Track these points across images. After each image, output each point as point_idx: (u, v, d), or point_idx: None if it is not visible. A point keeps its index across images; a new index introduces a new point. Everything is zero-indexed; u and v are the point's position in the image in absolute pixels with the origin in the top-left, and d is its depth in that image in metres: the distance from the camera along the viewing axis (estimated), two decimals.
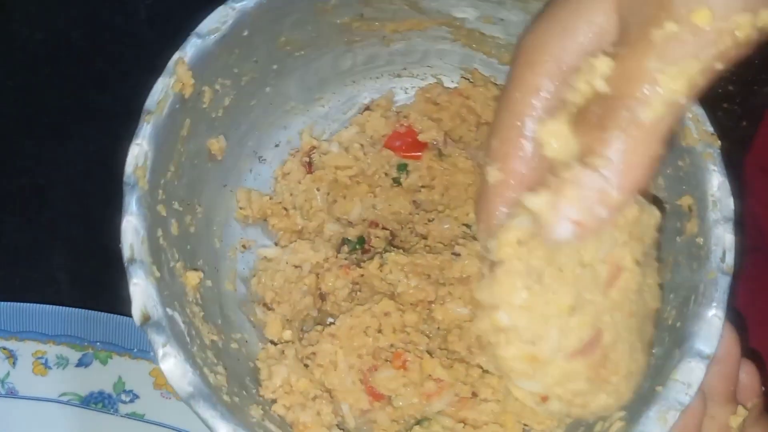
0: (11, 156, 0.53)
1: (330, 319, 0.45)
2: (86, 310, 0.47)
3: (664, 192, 0.41)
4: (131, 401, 0.46)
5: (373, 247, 0.46)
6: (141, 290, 0.34)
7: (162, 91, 0.38)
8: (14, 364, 0.46)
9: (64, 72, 0.54)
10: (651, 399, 0.35)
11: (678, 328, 0.37)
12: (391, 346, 0.40)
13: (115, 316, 0.47)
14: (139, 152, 0.37)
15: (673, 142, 0.40)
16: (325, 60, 0.46)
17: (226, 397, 0.35)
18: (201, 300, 0.39)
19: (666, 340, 0.37)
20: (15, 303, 0.47)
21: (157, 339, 0.34)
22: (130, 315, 0.45)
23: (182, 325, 0.36)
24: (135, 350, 0.47)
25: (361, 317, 0.41)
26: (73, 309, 0.47)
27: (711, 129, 0.38)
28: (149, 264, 0.35)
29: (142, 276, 0.35)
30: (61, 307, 0.47)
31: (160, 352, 0.34)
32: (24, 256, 0.50)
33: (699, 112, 0.39)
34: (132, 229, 0.35)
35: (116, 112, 0.51)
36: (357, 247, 0.46)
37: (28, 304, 0.47)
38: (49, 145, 0.53)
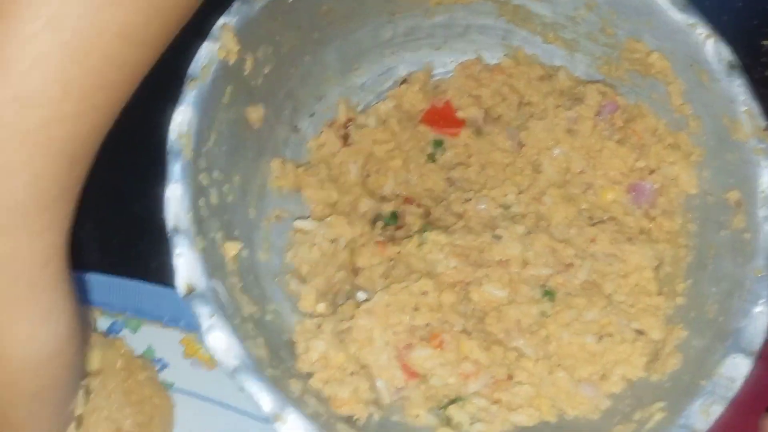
0: None
1: (361, 294, 0.44)
2: (118, 278, 0.46)
3: (709, 183, 0.41)
4: (160, 370, 0.45)
5: (407, 223, 0.45)
6: (186, 261, 0.34)
7: (206, 57, 0.37)
8: None
9: None
10: (695, 392, 0.35)
11: (721, 323, 0.37)
12: (427, 325, 0.40)
13: (147, 284, 0.46)
14: (182, 119, 0.36)
15: (721, 135, 0.40)
16: (365, 30, 0.45)
17: (269, 371, 0.34)
18: (238, 271, 0.38)
19: (707, 333, 0.37)
20: None
21: (203, 311, 0.33)
22: (161, 283, 0.46)
23: (225, 297, 0.35)
24: (166, 318, 0.46)
25: (399, 295, 0.40)
26: (105, 276, 0.46)
27: (765, 124, 0.38)
28: (193, 234, 0.34)
29: (186, 246, 0.34)
30: (93, 273, 0.46)
31: (206, 323, 0.33)
32: None
33: (753, 105, 0.38)
34: (176, 198, 0.34)
35: (149, 75, 0.51)
36: (390, 223, 0.45)
37: None
38: None
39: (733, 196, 0.39)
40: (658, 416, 0.35)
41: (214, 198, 0.38)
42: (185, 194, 0.35)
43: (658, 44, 0.41)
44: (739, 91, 0.38)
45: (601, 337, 0.39)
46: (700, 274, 0.40)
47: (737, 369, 0.34)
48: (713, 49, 0.39)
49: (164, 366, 0.45)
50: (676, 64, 0.41)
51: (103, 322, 0.45)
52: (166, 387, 0.45)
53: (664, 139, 0.43)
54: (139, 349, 0.45)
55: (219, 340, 0.33)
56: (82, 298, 0.45)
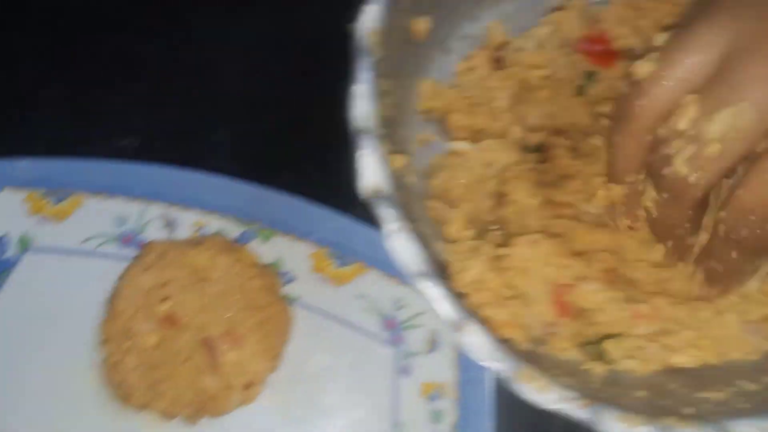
0: (181, 29, 0.50)
1: (496, 227, 0.43)
2: (254, 186, 0.45)
3: None
4: (287, 282, 0.45)
5: (554, 156, 0.44)
6: (372, 162, 0.33)
7: None
8: (172, 232, 0.45)
9: None
10: None
11: None
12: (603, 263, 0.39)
13: (284, 195, 0.45)
14: (371, 15, 0.34)
15: None
16: None
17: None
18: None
19: None
20: (181, 171, 0.45)
21: (390, 213, 0.32)
22: (296, 194, 0.45)
23: (403, 202, 0.34)
24: (299, 231, 0.45)
25: (565, 236, 0.39)
26: (241, 183, 0.45)
27: None
28: (378, 136, 0.33)
29: (371, 147, 0.33)
30: (229, 180, 0.45)
31: (393, 226, 0.32)
32: (187, 127, 0.48)
33: None
34: (364, 97, 0.33)
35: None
36: (535, 152, 0.44)
37: (194, 173, 0.45)
38: (221, 23, 0.50)
39: None
40: None
41: (386, 108, 0.37)
42: (371, 95, 0.34)
43: None
44: None
45: None
46: None
47: None
48: None
49: (291, 279, 0.45)
50: None
51: (234, 229, 0.45)
52: (291, 300, 0.44)
53: None
54: (268, 260, 0.45)
55: (404, 244, 0.32)
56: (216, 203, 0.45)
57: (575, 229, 0.41)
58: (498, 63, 0.44)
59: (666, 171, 0.33)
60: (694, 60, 0.32)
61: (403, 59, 0.40)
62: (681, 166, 0.33)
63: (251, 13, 0.51)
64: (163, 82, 0.50)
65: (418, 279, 0.32)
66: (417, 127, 0.44)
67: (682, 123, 0.32)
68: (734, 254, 0.34)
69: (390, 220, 0.32)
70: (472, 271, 0.38)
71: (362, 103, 0.33)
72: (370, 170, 0.33)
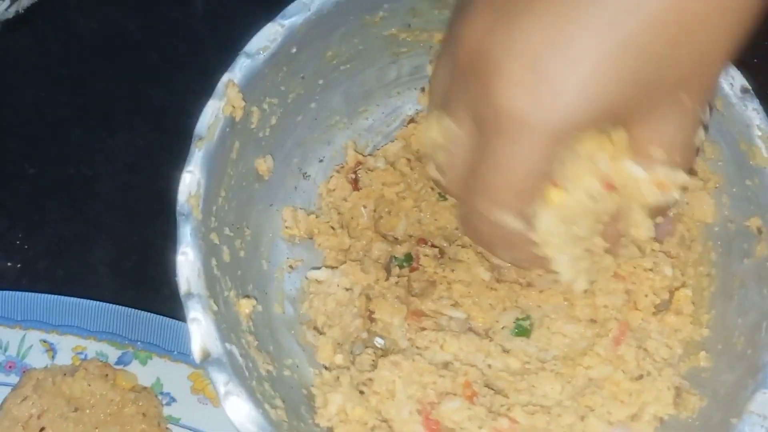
0: (60, 144, 0.52)
1: (378, 340, 0.44)
2: (130, 309, 0.46)
3: (729, 210, 0.40)
4: (168, 404, 0.45)
5: (422, 265, 0.44)
6: (200, 326, 0.34)
7: (212, 115, 0.37)
8: (53, 357, 0.46)
9: (117, 63, 0.53)
10: (726, 431, 0.34)
11: (749, 356, 0.36)
12: (465, 375, 0.39)
13: (159, 316, 0.46)
14: (191, 180, 0.35)
15: (739, 161, 0.39)
16: (370, 72, 0.45)
17: None
18: (254, 327, 0.38)
19: (736, 367, 0.36)
20: (59, 296, 0.46)
21: (219, 377, 0.33)
22: (171, 316, 0.46)
23: (240, 359, 0.35)
24: (175, 353, 0.46)
25: (427, 351, 0.40)
26: (117, 306, 0.46)
27: None
28: (206, 297, 0.34)
29: (200, 311, 0.34)
30: (104, 303, 0.46)
31: (223, 390, 0.33)
32: (67, 247, 0.50)
33: None
34: (188, 262, 0.34)
35: (166, 106, 0.52)
36: (405, 264, 0.45)
37: (72, 298, 0.46)
38: (98, 136, 0.52)
39: (755, 222, 0.38)
40: None
41: (226, 255, 0.37)
42: (196, 257, 0.34)
43: None
44: (753, 115, 0.38)
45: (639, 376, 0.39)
46: (725, 304, 0.39)
47: None
48: (724, 74, 0.38)
49: (172, 400, 0.46)
50: None
51: (113, 353, 0.46)
52: (173, 422, 0.45)
53: None
54: (148, 382, 0.46)
55: (237, 406, 0.33)
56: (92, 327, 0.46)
57: (440, 339, 0.41)
58: (355, 183, 0.45)
59: None
60: None
61: (251, 198, 0.41)
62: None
63: (128, 125, 0.52)
64: (44, 200, 0.51)
65: None
66: (286, 254, 0.44)
67: None
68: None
69: (221, 383, 0.33)
70: (334, 404, 0.38)
71: (186, 269, 0.34)
72: (198, 335, 0.33)
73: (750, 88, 0.38)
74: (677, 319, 0.40)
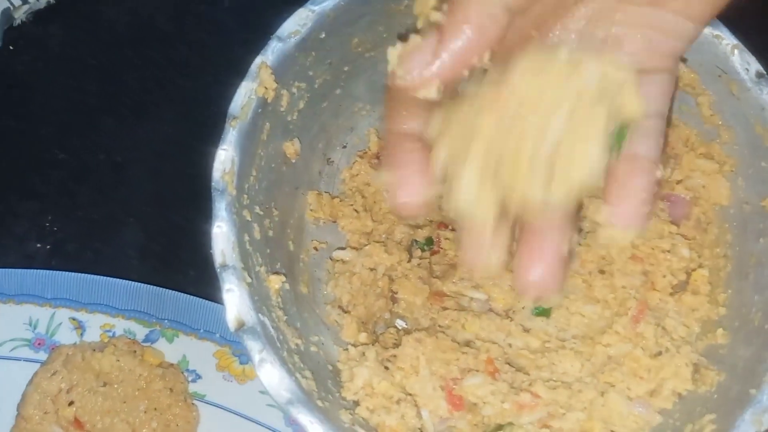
0: (90, 132, 0.53)
1: (400, 322, 0.45)
2: (157, 287, 0.47)
3: (744, 192, 0.41)
4: (193, 381, 0.46)
5: (443, 248, 0.45)
6: (235, 296, 0.35)
7: (246, 96, 0.38)
8: (82, 335, 0.47)
9: (146, 54, 0.55)
10: (745, 402, 0.35)
11: (767, 330, 0.37)
12: (487, 353, 0.40)
13: (185, 295, 0.47)
14: (225, 157, 0.37)
15: (755, 143, 0.40)
16: None
17: (319, 402, 0.35)
18: (282, 304, 0.39)
19: (754, 342, 0.37)
20: (87, 275, 0.47)
21: (254, 345, 0.34)
22: (198, 295, 0.47)
23: (272, 330, 0.36)
24: (201, 330, 0.47)
25: (450, 329, 0.41)
26: (144, 285, 0.47)
27: None
28: (241, 269, 0.35)
29: (235, 282, 0.35)
30: (133, 282, 0.47)
31: (257, 357, 0.34)
32: (97, 230, 0.51)
33: None
34: (223, 234, 0.35)
35: (195, 97, 0.53)
36: (426, 248, 0.46)
37: (100, 276, 0.47)
38: (127, 124, 0.53)
39: None
40: (709, 429, 0.35)
41: (257, 233, 0.39)
42: (231, 231, 0.36)
43: (685, 57, 0.41)
44: None
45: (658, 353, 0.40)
46: (741, 283, 0.40)
47: None
48: (740, 60, 0.39)
49: (197, 377, 0.47)
50: (704, 76, 0.41)
51: (140, 330, 0.47)
52: (198, 398, 0.46)
53: (696, 149, 0.43)
54: (174, 360, 0.47)
55: (271, 373, 0.34)
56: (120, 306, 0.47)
57: (461, 319, 0.42)
58: (377, 168, 0.46)
59: None
60: None
61: (279, 180, 0.42)
62: None
63: (156, 114, 0.54)
64: (74, 185, 0.52)
65: (288, 405, 0.33)
66: (311, 236, 0.45)
67: None
68: None
69: (256, 351, 0.34)
70: (360, 378, 0.39)
71: (221, 241, 0.35)
72: (234, 304, 0.34)
73: (765, 72, 0.39)
74: (694, 298, 0.41)
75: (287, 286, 0.41)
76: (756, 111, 0.39)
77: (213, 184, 0.36)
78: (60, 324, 0.47)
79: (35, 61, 0.54)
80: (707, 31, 0.40)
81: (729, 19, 0.40)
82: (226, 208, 0.36)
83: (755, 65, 0.39)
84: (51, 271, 0.48)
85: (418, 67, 0.28)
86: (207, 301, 0.47)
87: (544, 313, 0.43)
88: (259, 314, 0.35)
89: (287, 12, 0.39)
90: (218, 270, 0.35)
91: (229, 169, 0.36)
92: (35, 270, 0.48)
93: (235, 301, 0.34)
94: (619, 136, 0.29)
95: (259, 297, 0.36)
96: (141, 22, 0.55)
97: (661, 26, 0.32)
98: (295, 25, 0.39)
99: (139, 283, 0.47)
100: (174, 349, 0.47)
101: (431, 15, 0.28)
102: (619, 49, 0.32)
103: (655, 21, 0.32)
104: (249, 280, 0.35)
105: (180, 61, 0.54)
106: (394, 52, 0.29)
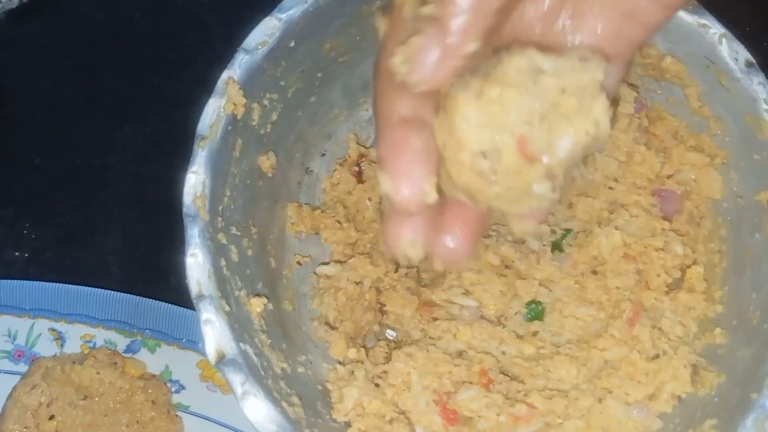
0: (68, 135, 0.51)
1: (390, 332, 0.44)
2: (138, 297, 0.46)
3: (738, 185, 0.40)
4: (177, 392, 0.45)
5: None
6: (214, 327, 0.33)
7: (214, 113, 0.36)
8: (62, 346, 0.46)
9: (124, 53, 0.53)
10: (746, 407, 0.34)
11: (766, 330, 0.36)
12: (480, 363, 0.39)
13: (167, 304, 0.46)
14: (196, 181, 0.35)
15: (746, 135, 0.38)
16: (368, 63, 0.44)
17: (307, 431, 0.34)
18: (266, 326, 0.38)
19: (753, 342, 0.36)
20: (67, 285, 0.46)
21: (236, 378, 0.33)
22: (179, 304, 0.46)
23: (255, 358, 0.34)
24: (184, 340, 0.46)
25: (441, 340, 0.39)
26: (125, 294, 0.46)
27: None
28: (218, 298, 0.34)
29: (212, 312, 0.33)
30: (113, 291, 0.46)
31: (240, 390, 0.32)
32: (76, 236, 0.49)
33: None
34: (198, 263, 0.34)
35: (174, 96, 0.51)
36: None
37: (80, 286, 0.46)
38: (106, 127, 0.51)
39: (765, 196, 0.38)
40: None
41: (234, 255, 0.37)
42: (205, 258, 0.34)
43: (671, 47, 0.40)
44: (759, 89, 0.37)
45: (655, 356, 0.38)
46: (738, 280, 0.39)
47: None
48: (728, 49, 0.38)
49: (181, 388, 0.46)
50: (691, 66, 0.39)
51: (122, 341, 0.46)
52: (183, 408, 0.45)
53: (686, 141, 0.42)
54: (157, 370, 0.46)
55: (255, 406, 0.32)
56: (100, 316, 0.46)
57: (453, 328, 0.41)
58: (359, 176, 0.45)
59: None
60: None
61: (256, 196, 0.40)
62: None
63: (136, 115, 0.52)
64: (52, 190, 0.50)
65: None
66: (294, 250, 0.44)
67: None
68: None
69: (237, 383, 0.32)
70: (350, 398, 0.38)
71: (196, 270, 0.34)
72: (212, 336, 0.33)
73: (755, 61, 0.38)
74: (690, 296, 0.40)
75: (270, 306, 0.39)
76: (747, 101, 0.38)
77: (184, 210, 0.34)
78: (40, 335, 0.46)
79: (10, 61, 0.52)
80: (693, 20, 0.38)
81: (716, 5, 0.38)
82: (200, 234, 0.34)
83: (744, 54, 0.38)
84: (29, 282, 0.46)
85: (430, 67, 0.27)
86: (189, 310, 0.46)
87: (537, 316, 0.42)
88: (240, 343, 0.33)
89: (269, 5, 0.38)
90: (194, 300, 0.33)
91: (200, 193, 0.35)
92: (13, 280, 0.46)
93: (214, 332, 0.33)
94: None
95: (239, 324, 0.35)
96: (118, 19, 0.53)
97: (632, 12, 0.30)
98: (262, 35, 0.37)
99: (120, 293, 0.46)
100: (156, 359, 0.46)
101: (422, 11, 0.27)
102: (585, 33, 0.31)
103: (627, 5, 0.30)
104: (227, 308, 0.34)
105: (159, 59, 0.52)
106: (381, 20, 0.28)
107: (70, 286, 0.46)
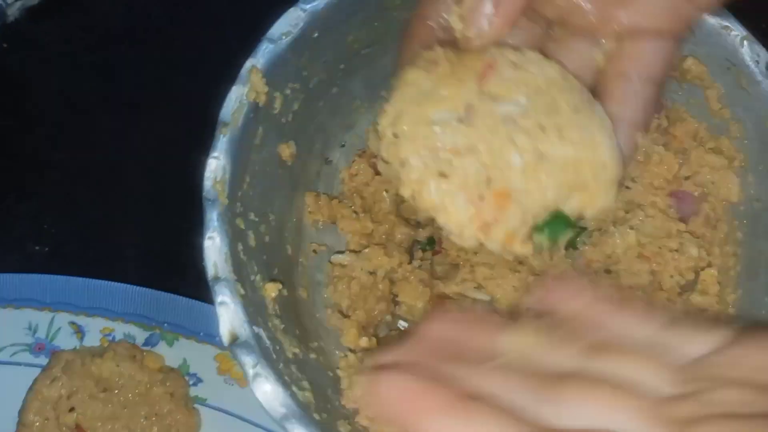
0: (86, 131, 0.52)
1: (402, 323, 0.44)
2: (157, 291, 0.47)
3: (755, 189, 0.40)
4: (194, 384, 0.46)
5: (444, 248, 0.44)
6: (228, 309, 0.34)
7: (236, 101, 0.37)
8: (82, 339, 0.47)
9: (141, 50, 0.54)
10: None
11: None
12: None
13: (185, 298, 0.47)
14: (216, 166, 0.36)
15: (764, 138, 0.38)
16: (390, 56, 0.44)
17: (315, 415, 0.34)
18: (280, 311, 0.38)
19: None
20: (86, 279, 0.47)
21: (247, 360, 0.33)
22: (197, 298, 0.46)
23: (267, 342, 0.35)
24: (201, 334, 0.47)
25: None
26: (144, 288, 0.47)
27: None
28: (234, 281, 0.34)
29: (228, 294, 0.34)
30: (132, 285, 0.47)
31: (251, 372, 0.33)
32: (96, 231, 0.50)
33: None
34: (215, 246, 0.35)
35: (191, 93, 0.51)
36: (427, 248, 0.45)
37: (100, 280, 0.47)
38: (124, 122, 0.52)
39: None
40: None
41: (251, 240, 0.38)
42: (223, 242, 0.35)
43: (692, 49, 0.40)
44: None
45: None
46: (751, 283, 0.39)
47: None
48: (750, 51, 0.38)
49: (198, 381, 0.46)
50: (712, 68, 0.39)
51: (140, 334, 0.47)
52: (200, 401, 0.45)
53: (705, 143, 0.42)
54: (175, 364, 0.46)
55: (265, 388, 0.33)
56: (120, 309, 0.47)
57: None
58: (377, 168, 0.45)
59: None
60: None
61: (275, 184, 0.41)
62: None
63: (154, 111, 0.53)
64: (71, 186, 0.51)
65: (283, 421, 0.33)
66: (310, 239, 0.45)
67: None
68: None
69: (249, 365, 0.33)
70: (359, 386, 0.38)
71: (213, 253, 0.34)
72: (227, 318, 0.34)
73: None
74: (703, 299, 0.40)
75: (285, 292, 0.40)
76: (766, 105, 0.37)
77: (204, 193, 0.35)
78: (60, 328, 0.47)
79: (29, 58, 0.53)
80: (716, 21, 0.38)
81: (738, 8, 0.38)
82: (218, 218, 0.35)
83: (765, 56, 0.38)
84: (49, 276, 0.47)
85: (486, 22, 0.29)
86: (206, 304, 0.46)
87: None
88: (254, 326, 0.34)
89: (285, 3, 0.38)
90: (210, 283, 0.34)
91: (220, 178, 0.35)
92: (34, 274, 0.47)
93: (228, 314, 0.34)
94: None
95: (254, 308, 0.35)
96: (135, 16, 0.54)
97: None
98: (287, 25, 0.38)
99: (138, 287, 0.47)
100: (174, 352, 0.46)
101: None
102: (641, 5, 0.31)
103: None
104: (243, 291, 0.35)
105: (176, 56, 0.53)
106: None
107: (90, 279, 0.47)
